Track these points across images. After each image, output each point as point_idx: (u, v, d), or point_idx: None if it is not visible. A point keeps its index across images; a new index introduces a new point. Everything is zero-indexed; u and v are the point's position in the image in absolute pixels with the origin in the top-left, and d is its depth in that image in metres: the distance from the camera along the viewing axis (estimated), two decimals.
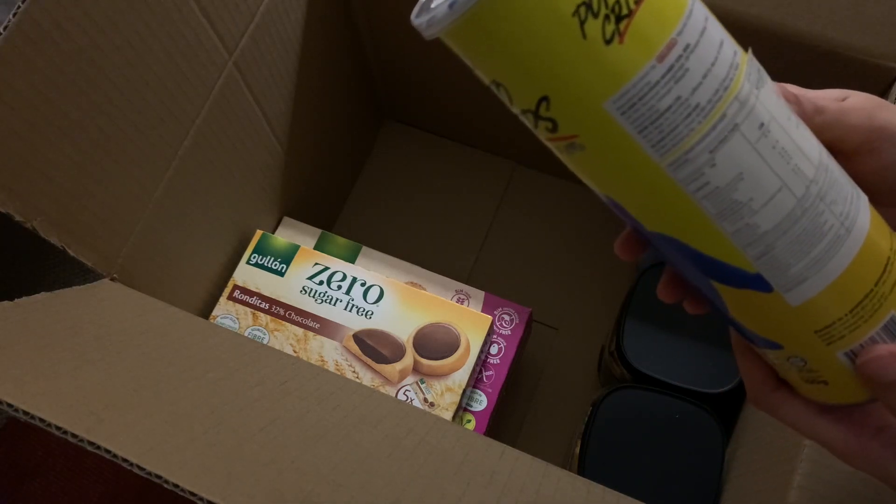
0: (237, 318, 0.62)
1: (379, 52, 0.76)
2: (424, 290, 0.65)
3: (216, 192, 0.59)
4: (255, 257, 0.64)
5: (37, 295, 0.45)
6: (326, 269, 0.64)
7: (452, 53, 0.25)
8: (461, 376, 0.59)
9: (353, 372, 0.60)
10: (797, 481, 0.38)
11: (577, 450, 0.58)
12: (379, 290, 0.62)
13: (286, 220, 0.70)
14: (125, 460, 0.34)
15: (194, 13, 0.50)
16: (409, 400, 0.59)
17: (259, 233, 0.65)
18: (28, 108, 0.41)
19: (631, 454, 0.56)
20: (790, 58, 0.52)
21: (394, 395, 0.59)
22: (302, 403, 0.44)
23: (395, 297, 0.62)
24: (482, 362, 0.63)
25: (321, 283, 0.63)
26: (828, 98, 0.31)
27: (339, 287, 0.63)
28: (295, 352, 0.61)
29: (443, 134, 0.87)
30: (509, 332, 0.64)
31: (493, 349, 0.63)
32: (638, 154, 0.25)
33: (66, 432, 0.35)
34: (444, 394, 0.59)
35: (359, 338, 0.61)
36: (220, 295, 0.63)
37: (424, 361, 0.60)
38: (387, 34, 0.72)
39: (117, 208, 0.49)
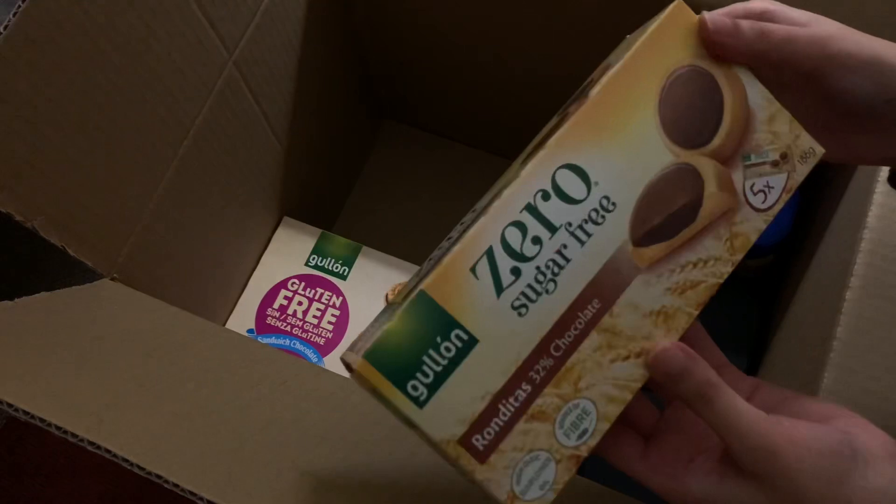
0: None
1: (379, 52, 0.76)
2: None
3: (216, 192, 0.59)
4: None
5: (37, 295, 0.45)
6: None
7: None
8: None
9: None
10: None
11: None
12: None
13: (286, 220, 0.70)
14: (125, 460, 0.34)
15: (194, 13, 0.50)
16: None
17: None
18: (28, 108, 0.41)
19: None
20: None
21: None
22: (302, 403, 0.44)
23: None
24: None
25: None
26: (786, 21, 0.31)
27: None
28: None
29: (443, 134, 0.87)
30: None
31: None
32: None
33: (66, 432, 0.35)
34: None
35: None
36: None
37: None
38: (387, 34, 0.72)
39: (117, 208, 0.49)
